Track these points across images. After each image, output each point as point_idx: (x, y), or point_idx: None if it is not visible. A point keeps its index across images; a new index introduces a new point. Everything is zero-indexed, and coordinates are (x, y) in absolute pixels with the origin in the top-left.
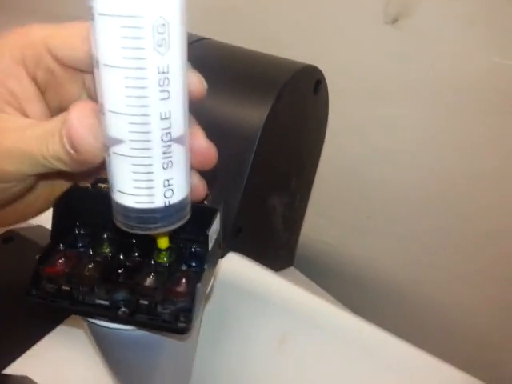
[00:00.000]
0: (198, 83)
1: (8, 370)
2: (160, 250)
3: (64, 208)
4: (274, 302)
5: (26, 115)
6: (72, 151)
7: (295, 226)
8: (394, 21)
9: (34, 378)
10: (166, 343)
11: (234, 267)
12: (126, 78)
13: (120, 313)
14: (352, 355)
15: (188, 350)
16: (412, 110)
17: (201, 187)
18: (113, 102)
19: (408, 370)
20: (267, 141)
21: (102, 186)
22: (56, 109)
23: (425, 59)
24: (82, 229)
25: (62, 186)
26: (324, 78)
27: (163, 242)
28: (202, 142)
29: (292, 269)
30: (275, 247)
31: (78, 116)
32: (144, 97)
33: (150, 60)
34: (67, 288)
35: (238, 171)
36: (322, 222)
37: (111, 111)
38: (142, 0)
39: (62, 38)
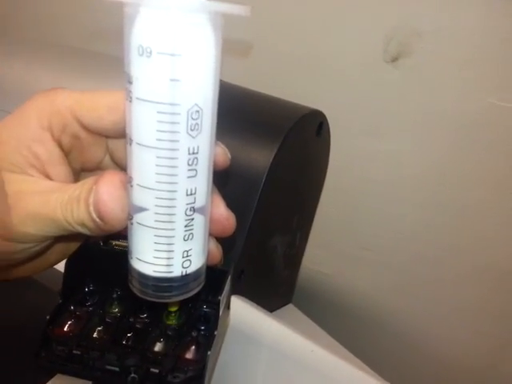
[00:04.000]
0: (223, 155)
1: None
2: (169, 312)
3: (76, 265)
4: (278, 353)
5: (49, 177)
6: (98, 220)
7: (295, 263)
8: (394, 60)
9: None
10: None
11: (238, 314)
12: (158, 157)
13: (130, 380)
14: None
15: None
16: (410, 146)
17: (217, 253)
18: (143, 177)
19: None
20: (271, 184)
21: (114, 242)
22: (78, 170)
23: (423, 98)
24: (91, 286)
25: (77, 240)
26: (326, 121)
27: (173, 304)
28: (223, 211)
29: (290, 306)
30: (275, 285)
31: (108, 189)
32: (173, 175)
33: (182, 143)
34: (78, 352)
35: (242, 215)
36: (320, 253)
37: (140, 185)
38: (180, 89)
39: (89, 107)
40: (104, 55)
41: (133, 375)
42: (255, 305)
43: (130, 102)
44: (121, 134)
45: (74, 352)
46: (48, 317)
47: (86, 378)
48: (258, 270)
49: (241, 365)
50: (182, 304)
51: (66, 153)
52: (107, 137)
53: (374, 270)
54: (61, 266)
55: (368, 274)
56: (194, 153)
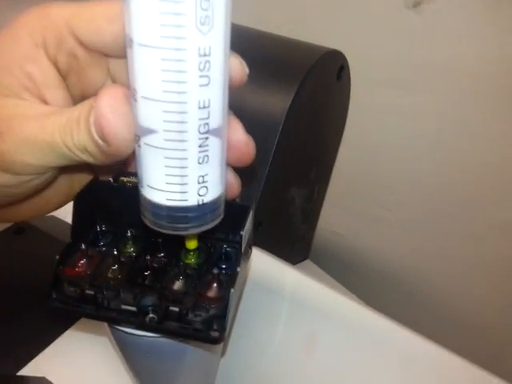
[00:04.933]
0: (239, 68)
1: (24, 371)
2: (188, 250)
3: (85, 203)
4: (299, 302)
5: (45, 102)
6: (101, 142)
7: (313, 218)
8: (416, 5)
9: (52, 379)
10: (192, 349)
11: (257, 264)
12: (164, 59)
13: (148, 320)
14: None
15: (214, 356)
16: (431, 98)
17: (235, 185)
18: (147, 86)
19: (422, 362)
20: (290, 129)
21: (125, 179)
22: (78, 97)
23: (447, 46)
24: (103, 225)
25: (82, 180)
26: (347, 64)
27: (192, 242)
28: (241, 135)
29: (308, 262)
30: (293, 240)
31: (110, 102)
32: (182, 82)
33: (190, 40)
34: (91, 292)
35: (260, 162)
36: (336, 212)
37: (145, 97)
38: None
39: (86, 19)
40: None
41: (151, 315)
42: (274, 256)
43: None
44: (122, 51)
45: (87, 292)
46: (57, 256)
47: (101, 319)
48: (276, 223)
49: (262, 315)
50: (201, 243)
51: (64, 75)
52: (107, 55)
53: (392, 229)
54: (63, 215)
55: (386, 234)
56: (205, 55)
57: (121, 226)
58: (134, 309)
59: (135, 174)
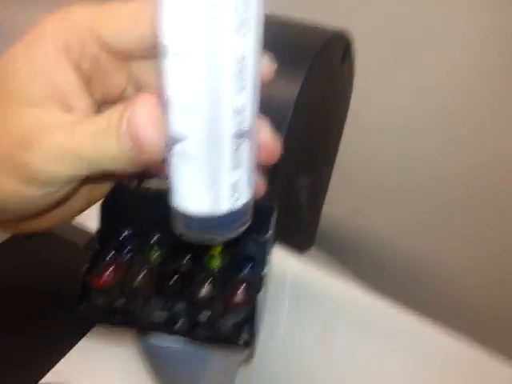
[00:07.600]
0: (268, 67)
1: (48, 377)
2: (213, 253)
3: (111, 210)
4: (316, 296)
5: (69, 109)
6: (134, 151)
7: (318, 203)
8: None
9: None
10: (216, 354)
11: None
12: (200, 67)
13: (178, 326)
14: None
15: (236, 358)
16: (438, 75)
17: (261, 185)
18: (182, 95)
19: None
20: (298, 116)
21: (148, 183)
22: (99, 102)
23: (457, 17)
24: (127, 231)
25: (102, 187)
26: (352, 43)
27: (216, 247)
28: (269, 133)
29: (313, 248)
30: (299, 227)
31: (146, 111)
32: (218, 89)
33: (227, 46)
34: (122, 302)
35: None
36: (335, 194)
37: (179, 105)
38: None
39: (111, 20)
40: None
41: (181, 322)
42: (286, 246)
43: (162, 2)
44: (146, 51)
45: (118, 302)
46: (85, 266)
47: (131, 328)
48: (283, 210)
49: (270, 306)
50: (225, 245)
51: (86, 81)
52: (130, 58)
53: (393, 209)
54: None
55: (386, 213)
56: (241, 59)
57: (144, 231)
58: (164, 316)
59: (158, 177)
